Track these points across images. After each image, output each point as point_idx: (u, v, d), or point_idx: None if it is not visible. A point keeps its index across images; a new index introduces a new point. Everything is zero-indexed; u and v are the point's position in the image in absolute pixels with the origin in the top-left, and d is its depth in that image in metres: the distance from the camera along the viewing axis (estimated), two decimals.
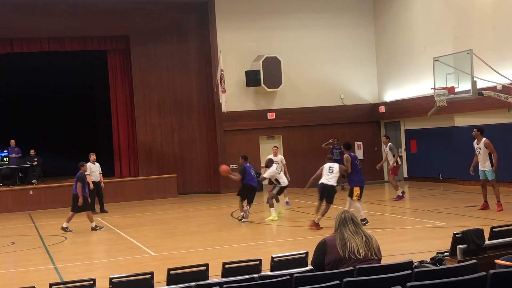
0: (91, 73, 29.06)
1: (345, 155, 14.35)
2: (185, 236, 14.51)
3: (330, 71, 25.95)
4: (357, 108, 26.19)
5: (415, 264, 6.63)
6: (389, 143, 19.12)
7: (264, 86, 24.51)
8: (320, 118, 25.57)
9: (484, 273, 4.94)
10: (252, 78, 24.46)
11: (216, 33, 24.56)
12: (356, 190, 13.85)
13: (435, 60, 19.10)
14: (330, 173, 13.97)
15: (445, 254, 7.99)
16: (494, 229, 7.90)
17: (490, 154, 15.24)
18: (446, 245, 8.03)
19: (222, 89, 23.40)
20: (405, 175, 25.06)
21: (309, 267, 6.47)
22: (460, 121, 21.77)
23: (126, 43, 25.43)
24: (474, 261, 5.73)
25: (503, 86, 18.60)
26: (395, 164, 18.98)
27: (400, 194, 18.58)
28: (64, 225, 15.62)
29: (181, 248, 12.74)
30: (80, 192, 15.40)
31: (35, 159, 24.39)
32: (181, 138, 25.34)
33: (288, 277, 5.73)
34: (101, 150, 28.11)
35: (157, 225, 16.63)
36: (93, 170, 19.26)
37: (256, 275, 6.17)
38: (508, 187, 18.97)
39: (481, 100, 18.75)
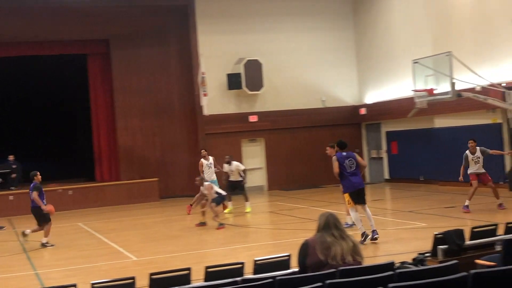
0: (71, 77, 28.81)
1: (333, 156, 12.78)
2: (167, 240, 14.44)
3: (311, 73, 26.03)
4: (338, 111, 26.28)
5: (396, 265, 6.66)
6: (479, 147, 15.80)
7: (245, 89, 24.54)
8: (301, 121, 25.62)
9: (465, 273, 4.98)
10: (233, 81, 24.48)
11: (197, 36, 24.55)
12: (346, 197, 12.29)
13: (415, 62, 19.27)
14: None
15: (427, 254, 8.04)
16: (475, 230, 7.96)
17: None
18: (427, 245, 8.08)
19: (204, 92, 23.37)
20: (386, 176, 25.20)
21: (292, 269, 6.47)
22: (440, 122, 21.93)
23: (107, 46, 25.32)
24: (455, 261, 5.76)
25: (482, 87, 18.76)
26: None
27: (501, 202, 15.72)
28: (43, 240, 14.34)
29: (163, 252, 12.68)
30: (39, 201, 14.28)
31: (14, 165, 24.15)
32: (162, 142, 25.26)
33: (271, 280, 5.72)
34: (82, 154, 27.93)
35: (138, 230, 16.55)
36: None
37: (239, 279, 6.16)
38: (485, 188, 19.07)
39: (460, 101, 18.92)
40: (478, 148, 15.69)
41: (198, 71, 23.85)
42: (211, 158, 18.53)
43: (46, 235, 14.41)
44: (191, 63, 24.60)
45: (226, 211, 18.15)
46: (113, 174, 25.49)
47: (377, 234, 11.89)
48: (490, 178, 15.83)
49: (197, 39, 24.54)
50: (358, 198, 12.23)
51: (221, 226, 15.29)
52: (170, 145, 25.25)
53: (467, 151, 15.66)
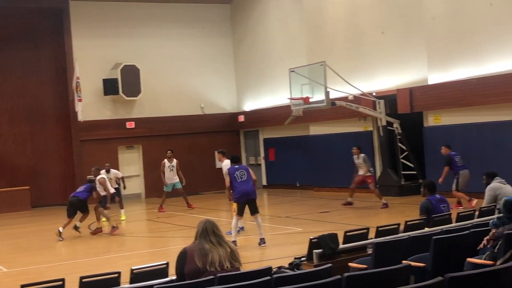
0: None
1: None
2: (40, 250, 13.89)
3: (190, 80, 26.00)
4: (217, 117, 26.41)
5: (274, 270, 6.75)
6: (362, 154, 17.28)
7: (122, 94, 24.10)
8: (180, 127, 25.51)
9: (339, 276, 5.11)
10: (109, 87, 23.97)
11: (72, 40, 23.87)
12: (234, 206, 12.43)
13: (291, 71, 19.74)
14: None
15: (302, 259, 8.22)
16: (348, 234, 8.23)
17: None
18: (303, 250, 8.25)
19: (78, 98, 22.75)
20: (264, 182, 25.59)
21: (170, 277, 6.40)
22: (315, 129, 22.56)
23: None
24: (330, 264, 5.91)
25: (354, 96, 19.52)
26: (369, 174, 17.39)
27: (385, 202, 16.98)
28: None
29: (35, 263, 12.18)
30: None
31: None
32: (35, 149, 24.27)
33: None
34: None
35: (8, 240, 15.79)
36: None
37: None
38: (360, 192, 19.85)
39: (334, 109, 19.58)
40: (362, 155, 17.11)
41: (72, 75, 23.18)
42: (174, 161, 18.93)
43: None
44: (66, 67, 23.88)
45: (122, 218, 17.98)
46: None
47: (264, 243, 12.17)
48: (370, 181, 17.15)
49: (71, 43, 23.87)
50: (249, 208, 12.31)
51: (98, 230, 15.35)
52: (43, 152, 24.32)
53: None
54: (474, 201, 14.58)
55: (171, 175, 18.96)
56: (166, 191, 19.22)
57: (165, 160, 19.12)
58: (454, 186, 15.46)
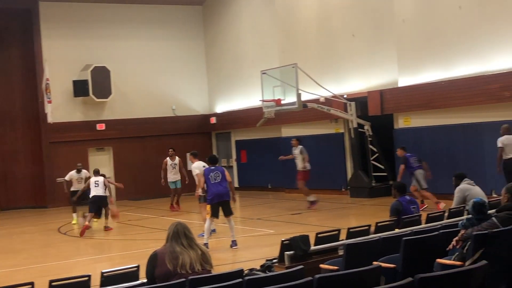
0: None
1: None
2: (9, 254, 13.71)
3: (161, 82, 25.89)
4: (189, 119, 26.33)
5: (245, 272, 6.75)
6: (300, 146, 17.74)
7: (92, 96, 23.89)
8: (151, 129, 25.37)
9: (310, 278, 5.13)
10: (80, 88, 23.74)
11: (41, 41, 23.62)
12: (208, 207, 12.35)
13: (263, 73, 19.77)
14: None
15: (274, 261, 8.24)
16: (319, 235, 8.26)
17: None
18: (275, 252, 8.27)
19: (48, 99, 22.52)
20: (236, 184, 25.53)
21: (140, 281, 6.37)
22: (287, 131, 22.62)
23: None
24: (301, 266, 5.92)
25: (326, 98, 19.62)
26: (305, 169, 17.69)
27: (313, 200, 17.49)
28: None
29: (4, 266, 12.00)
30: None
31: None
32: (3, 151, 23.93)
33: None
34: None
35: None
36: None
37: None
38: (328, 194, 19.94)
39: (306, 111, 19.66)
40: (300, 147, 17.59)
41: (42, 77, 22.93)
42: (177, 159, 19.05)
43: None
44: (35, 68, 23.62)
45: (73, 222, 17.71)
46: None
47: (236, 245, 12.18)
48: (299, 177, 17.47)
49: (40, 43, 23.61)
50: (222, 210, 12.30)
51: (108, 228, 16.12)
52: (11, 154, 23.99)
53: None
54: (442, 204, 14.75)
55: (173, 173, 19.15)
56: (172, 188, 19.36)
57: (167, 158, 19.27)
58: (418, 187, 15.78)
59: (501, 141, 13.92)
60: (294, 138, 18.27)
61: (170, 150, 19.47)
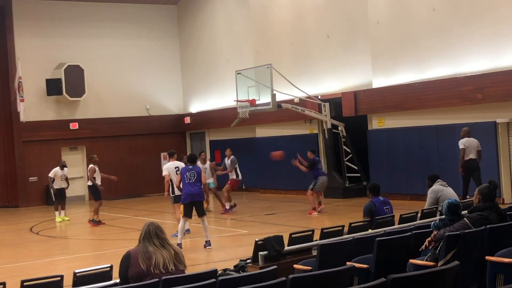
0: None
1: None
2: None
3: (136, 81, 25.75)
4: (163, 119, 26.22)
5: (219, 272, 6.75)
6: (232, 156, 18.16)
7: (66, 95, 23.67)
8: (125, 129, 25.22)
9: (284, 278, 5.14)
10: (53, 87, 23.51)
11: (14, 39, 23.34)
12: (181, 207, 12.37)
13: (237, 73, 19.76)
14: None
15: (248, 261, 8.24)
16: (293, 235, 8.28)
17: None
18: (249, 252, 8.27)
19: (20, 98, 22.26)
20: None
21: (114, 281, 6.33)
22: (261, 132, 22.64)
23: None
24: (275, 266, 5.93)
25: (300, 99, 19.67)
26: (237, 178, 18.15)
27: (232, 205, 17.94)
28: None
29: None
30: None
31: None
32: None
33: None
34: None
35: None
36: None
37: None
38: (302, 195, 19.99)
39: (280, 112, 19.70)
40: (232, 157, 17.96)
41: (15, 75, 22.65)
42: (208, 163, 18.19)
43: None
44: (7, 67, 23.32)
45: (57, 219, 17.82)
46: None
47: (210, 246, 12.16)
48: (229, 183, 17.82)
49: (13, 41, 23.33)
50: (196, 210, 12.28)
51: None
52: None
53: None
54: (315, 213, 15.93)
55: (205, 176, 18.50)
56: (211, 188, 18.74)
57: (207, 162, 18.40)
58: (310, 187, 16.33)
59: (462, 143, 14.31)
60: (228, 148, 18.41)
61: (202, 153, 18.45)
